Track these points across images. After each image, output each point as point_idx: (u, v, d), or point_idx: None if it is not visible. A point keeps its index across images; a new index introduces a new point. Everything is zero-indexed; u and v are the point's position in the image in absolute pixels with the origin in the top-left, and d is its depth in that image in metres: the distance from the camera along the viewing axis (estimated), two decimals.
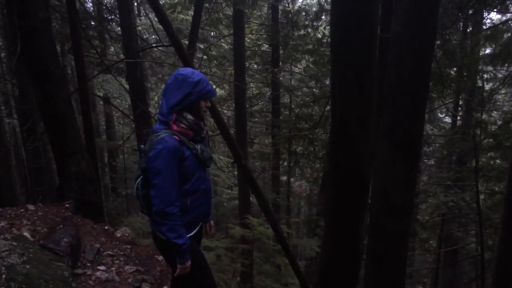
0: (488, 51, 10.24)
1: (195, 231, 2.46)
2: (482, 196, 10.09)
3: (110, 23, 10.84)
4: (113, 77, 9.30)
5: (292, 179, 15.69)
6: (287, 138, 12.36)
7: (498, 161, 10.68)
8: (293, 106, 13.48)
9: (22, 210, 4.36)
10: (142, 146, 2.34)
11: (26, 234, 3.66)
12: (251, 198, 10.49)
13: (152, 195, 2.19)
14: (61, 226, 3.93)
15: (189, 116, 2.29)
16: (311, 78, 12.02)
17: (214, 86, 14.33)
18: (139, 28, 12.03)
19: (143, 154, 2.28)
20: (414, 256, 12.20)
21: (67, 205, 4.73)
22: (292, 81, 13.84)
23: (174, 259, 2.34)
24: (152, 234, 2.46)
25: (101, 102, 14.45)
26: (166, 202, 2.17)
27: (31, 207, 4.49)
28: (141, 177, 2.31)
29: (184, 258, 2.28)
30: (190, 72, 2.30)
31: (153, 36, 13.04)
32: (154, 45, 9.24)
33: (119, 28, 9.62)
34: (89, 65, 9.99)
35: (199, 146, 2.33)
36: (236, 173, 12.31)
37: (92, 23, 10.55)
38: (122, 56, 10.00)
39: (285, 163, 14.14)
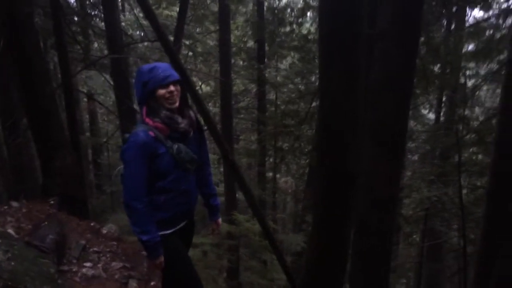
0: (470, 47, 10.39)
1: (173, 229, 2.39)
2: (464, 191, 10.27)
3: (94, 19, 10.70)
4: (97, 73, 9.21)
5: (278, 175, 15.73)
6: (273, 134, 12.39)
7: (480, 156, 10.87)
8: (279, 103, 13.51)
9: (6, 207, 4.31)
10: (126, 135, 2.31)
11: (10, 231, 3.62)
12: (237, 195, 10.48)
13: (123, 187, 2.20)
14: (46, 222, 3.89)
15: (163, 111, 2.22)
16: (297, 75, 12.05)
17: (200, 83, 14.29)
18: (124, 23, 11.91)
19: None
20: (398, 250, 12.35)
21: (51, 202, 4.69)
22: (278, 78, 13.83)
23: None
24: None
25: (85, 99, 14.27)
26: (130, 196, 2.15)
27: (15, 204, 4.43)
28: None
29: (152, 254, 2.25)
30: (147, 65, 2.27)
31: (138, 32, 12.92)
32: (140, 40, 9.16)
33: (103, 24, 9.51)
34: (73, 61, 9.85)
35: (176, 146, 2.24)
36: (222, 169, 12.29)
37: (76, 18, 10.38)
38: (106, 52, 9.88)
39: (271, 160, 14.17)
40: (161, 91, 2.20)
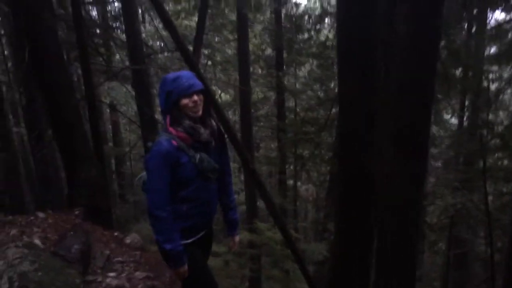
0: (493, 50, 10.20)
1: (193, 238, 2.39)
2: (490, 197, 10.03)
3: (116, 30, 10.91)
4: (119, 84, 9.35)
5: (298, 183, 15.63)
6: (293, 142, 12.36)
7: (505, 161, 10.63)
8: (298, 110, 13.48)
9: (32, 217, 4.39)
10: (150, 143, 2.33)
11: (37, 241, 3.68)
12: (258, 203, 10.46)
13: (146, 197, 2.21)
14: (72, 233, 3.94)
15: (186, 120, 2.22)
16: (316, 81, 12.03)
17: (219, 91, 14.38)
18: (144, 34, 12.10)
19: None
20: (423, 259, 12.12)
21: (77, 212, 4.76)
22: (297, 85, 13.82)
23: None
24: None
25: (108, 109, 14.51)
26: (155, 205, 2.16)
27: (41, 214, 4.51)
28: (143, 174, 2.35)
29: (175, 263, 2.25)
30: (171, 74, 2.28)
31: (158, 43, 13.11)
32: (160, 51, 9.28)
33: (124, 35, 9.68)
34: (96, 73, 10.05)
35: (199, 156, 2.24)
36: (242, 178, 12.29)
37: (98, 30, 10.61)
38: (127, 63, 10.05)
39: (292, 167, 14.12)
40: (185, 101, 2.19)
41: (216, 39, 13.81)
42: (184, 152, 2.20)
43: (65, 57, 9.17)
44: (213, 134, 2.36)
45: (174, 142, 2.17)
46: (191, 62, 5.10)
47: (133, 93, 9.48)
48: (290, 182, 14.73)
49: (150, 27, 13.10)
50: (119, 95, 10.91)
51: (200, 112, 2.27)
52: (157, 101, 14.85)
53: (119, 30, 10.89)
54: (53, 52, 5.03)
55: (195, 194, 2.29)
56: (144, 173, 2.35)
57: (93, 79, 7.41)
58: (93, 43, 8.60)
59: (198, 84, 2.24)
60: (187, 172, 2.22)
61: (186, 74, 2.25)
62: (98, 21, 11.04)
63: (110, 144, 15.14)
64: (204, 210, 2.39)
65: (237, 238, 2.70)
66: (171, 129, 2.21)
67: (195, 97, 2.21)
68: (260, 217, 9.83)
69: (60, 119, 5.10)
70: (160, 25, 10.38)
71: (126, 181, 14.93)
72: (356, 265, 4.37)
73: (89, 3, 9.29)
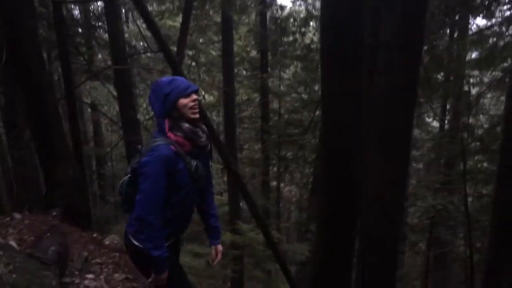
0: (474, 55, 10.38)
1: (169, 242, 2.35)
2: (470, 199, 10.20)
3: (98, 30, 10.78)
4: (101, 84, 9.25)
5: (282, 184, 15.69)
6: (276, 143, 12.39)
7: (485, 164, 10.81)
8: (282, 112, 13.52)
9: (8, 218, 4.30)
10: (140, 146, 2.29)
11: (12, 243, 3.61)
12: (241, 204, 10.45)
13: (137, 200, 2.13)
14: (48, 234, 3.87)
15: (185, 124, 2.20)
16: (300, 84, 12.09)
17: (203, 93, 14.34)
18: (127, 34, 11.98)
19: (138, 155, 2.23)
20: (404, 259, 12.23)
21: (54, 213, 4.67)
22: (281, 87, 13.87)
23: (143, 266, 2.33)
24: (125, 236, 2.37)
25: (89, 109, 14.33)
26: (148, 210, 2.10)
27: (17, 215, 4.42)
28: (129, 176, 2.26)
29: (160, 269, 2.21)
30: (164, 79, 2.25)
31: (141, 43, 13.00)
32: (143, 51, 9.21)
33: (106, 35, 9.58)
34: (77, 72, 9.92)
35: (195, 163, 2.22)
36: (225, 179, 12.27)
37: (79, 30, 10.47)
38: (110, 63, 9.94)
39: (275, 169, 14.15)
40: (184, 101, 2.17)
41: (201, 40, 13.78)
42: (181, 158, 2.17)
43: (46, 56, 9.07)
44: (209, 138, 2.34)
45: (172, 148, 2.14)
46: (174, 63, 5.07)
47: (115, 93, 9.38)
48: (274, 183, 14.76)
49: (133, 27, 12.98)
50: (100, 95, 10.80)
51: (199, 114, 2.26)
52: (139, 101, 14.82)
53: (101, 30, 10.76)
54: (33, 51, 4.93)
55: (182, 200, 2.27)
56: (126, 177, 2.29)
57: (74, 78, 7.32)
58: (75, 42, 8.48)
59: (194, 86, 2.25)
60: (182, 178, 2.19)
61: (178, 78, 2.25)
62: (80, 20, 10.89)
63: (91, 144, 14.96)
64: (185, 216, 2.38)
65: (219, 248, 2.64)
66: (169, 134, 2.17)
67: (194, 96, 2.21)
68: (242, 218, 9.82)
69: (38, 119, 5.01)
70: (144, 25, 10.29)
71: (107, 182, 14.76)
72: (338, 266, 4.38)
73: (71, 2, 9.14)
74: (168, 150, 2.12)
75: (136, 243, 2.26)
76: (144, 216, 2.11)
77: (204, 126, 2.36)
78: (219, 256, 2.63)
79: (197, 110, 2.23)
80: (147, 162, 2.11)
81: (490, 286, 6.21)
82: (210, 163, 2.49)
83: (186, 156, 2.19)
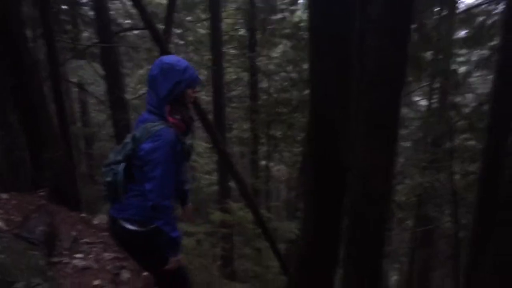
0: (462, 34, 10.38)
1: None
2: (456, 177, 10.35)
3: (83, 7, 10.56)
4: (87, 63, 9.11)
5: (271, 163, 15.75)
6: (265, 122, 12.39)
7: (472, 142, 10.94)
8: (271, 91, 13.47)
9: None
10: (135, 132, 2.21)
11: None
12: (230, 183, 10.49)
13: (149, 189, 2.11)
14: (36, 214, 3.86)
15: (183, 108, 2.25)
16: (289, 63, 12.02)
17: None
18: (113, 12, 11.75)
19: (133, 141, 2.18)
20: (391, 236, 12.46)
21: (41, 193, 4.65)
22: (270, 66, 13.78)
23: (140, 250, 2.34)
24: (112, 223, 2.33)
25: (75, 89, 14.13)
26: (164, 196, 2.11)
27: (4, 195, 4.39)
28: (125, 164, 2.21)
29: (177, 250, 2.26)
30: (175, 60, 2.22)
31: (128, 21, 12.76)
32: (129, 28, 9.06)
33: (92, 12, 9.39)
34: (62, 50, 9.73)
35: (189, 142, 2.30)
36: (215, 158, 12.27)
37: (64, 7, 10.24)
38: (96, 41, 9.77)
39: (264, 148, 14.18)
40: (189, 92, 2.25)
41: (188, 18, 13.56)
42: (179, 140, 2.20)
43: (31, 34, 8.87)
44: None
45: (174, 131, 2.17)
46: (160, 41, 5.01)
47: (102, 72, 9.25)
48: (263, 162, 14.80)
49: (119, 4, 12.72)
50: (87, 74, 10.63)
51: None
52: (127, 80, 14.64)
53: (86, 7, 10.55)
54: (15, 31, 4.82)
55: (178, 177, 2.31)
56: (121, 166, 2.22)
57: (60, 56, 7.18)
58: (59, 20, 8.30)
59: (200, 76, 2.36)
60: (179, 158, 2.24)
61: (189, 65, 2.25)
62: None
63: (79, 124, 14.81)
64: (176, 191, 2.37)
65: (190, 206, 2.71)
66: (169, 118, 2.19)
67: (196, 88, 2.31)
68: (232, 197, 9.87)
69: (23, 100, 4.93)
70: (130, 2, 10.09)
71: (95, 162, 14.67)
72: (326, 243, 4.44)
73: None
74: (172, 134, 2.15)
75: (131, 227, 2.24)
76: (161, 203, 2.11)
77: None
78: (190, 213, 2.74)
79: (193, 99, 2.32)
80: (155, 148, 2.10)
81: (475, 261, 6.37)
82: None
83: (182, 137, 2.23)
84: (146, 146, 2.11)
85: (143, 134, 2.14)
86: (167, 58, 2.24)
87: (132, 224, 2.25)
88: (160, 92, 2.17)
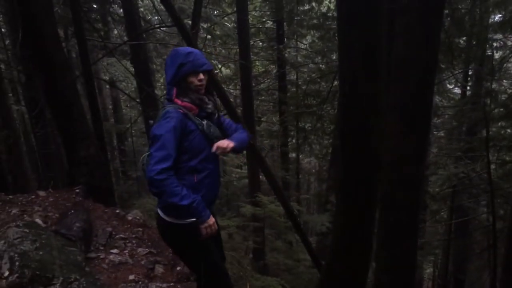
0: (497, 18, 9.98)
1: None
2: (493, 166, 10.01)
3: (112, 6, 10.72)
4: (117, 61, 9.25)
5: (301, 155, 15.68)
6: (295, 115, 12.30)
7: (508, 130, 10.56)
8: (300, 83, 13.37)
9: (33, 196, 4.41)
10: (150, 121, 2.33)
11: (38, 220, 3.71)
12: (260, 176, 10.49)
13: (149, 163, 2.10)
14: (72, 211, 3.97)
15: (191, 93, 2.27)
16: (317, 54, 11.87)
17: (220, 66, 14.24)
18: (142, 9, 11.90)
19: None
20: (425, 228, 12.21)
21: (77, 190, 4.77)
22: (298, 58, 13.65)
23: (174, 241, 2.37)
24: (156, 215, 2.38)
25: (107, 86, 14.43)
26: (156, 170, 2.05)
27: (42, 193, 4.53)
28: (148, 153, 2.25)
29: (201, 216, 2.17)
30: (184, 47, 2.32)
31: (156, 17, 12.89)
32: (157, 26, 9.14)
33: (121, 10, 9.52)
34: (93, 49, 9.93)
35: (205, 121, 2.28)
36: (245, 152, 12.31)
37: (94, 6, 10.43)
38: (125, 38, 9.91)
39: (294, 140, 14.11)
40: (192, 79, 2.25)
41: (215, 12, 13.58)
42: (191, 120, 2.23)
43: (62, 33, 9.09)
44: (216, 107, 2.42)
45: (180, 111, 2.21)
46: (188, 36, 5.02)
47: (132, 69, 9.39)
48: (293, 155, 14.75)
49: (147, 1, 12.86)
50: (118, 71, 10.81)
51: (203, 91, 2.34)
52: (157, 76, 14.82)
53: (116, 5, 10.71)
54: (48, 29, 4.93)
55: (202, 165, 2.29)
56: (146, 154, 2.27)
57: (91, 55, 7.32)
58: (90, 19, 8.46)
59: (209, 65, 2.31)
60: (197, 140, 2.24)
61: (197, 52, 2.30)
62: None
63: (111, 120, 15.13)
64: (211, 182, 2.37)
65: (231, 144, 2.35)
66: (176, 100, 2.25)
67: (202, 76, 2.28)
68: (262, 190, 9.87)
69: (57, 98, 5.05)
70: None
71: (128, 158, 14.98)
72: (358, 236, 4.38)
73: None
74: (177, 112, 2.19)
75: (165, 217, 2.28)
76: (154, 177, 2.06)
77: (213, 97, 2.44)
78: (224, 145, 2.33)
79: (202, 89, 2.31)
80: (156, 126, 2.17)
81: None
82: (229, 122, 2.57)
83: (194, 118, 2.25)
84: (153, 126, 2.19)
85: (156, 120, 2.22)
86: (179, 48, 2.33)
87: (163, 213, 2.30)
88: (167, 77, 2.28)
